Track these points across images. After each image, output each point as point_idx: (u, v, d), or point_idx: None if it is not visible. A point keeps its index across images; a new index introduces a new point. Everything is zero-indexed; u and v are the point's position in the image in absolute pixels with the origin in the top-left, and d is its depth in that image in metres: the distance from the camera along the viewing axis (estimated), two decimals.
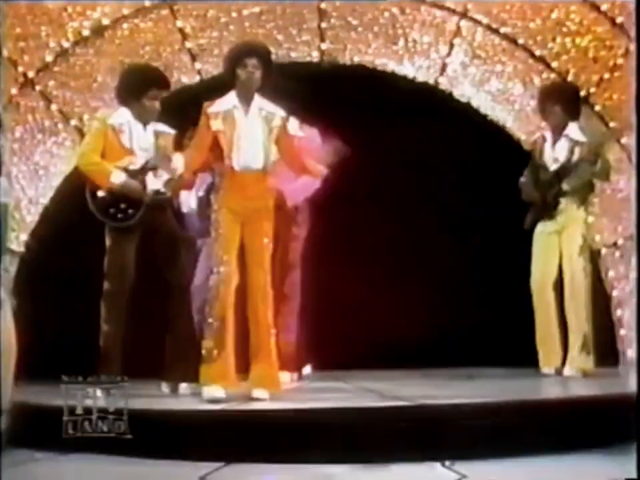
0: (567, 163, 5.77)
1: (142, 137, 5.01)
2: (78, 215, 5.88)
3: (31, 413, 4.09)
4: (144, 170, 4.96)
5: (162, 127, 5.12)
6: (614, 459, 3.73)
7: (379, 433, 3.78)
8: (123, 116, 5.02)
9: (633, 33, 4.97)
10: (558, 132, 5.87)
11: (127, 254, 4.93)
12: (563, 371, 5.67)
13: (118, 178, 4.89)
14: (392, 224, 7.02)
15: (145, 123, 5.02)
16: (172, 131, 5.17)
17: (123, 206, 4.90)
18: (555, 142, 5.87)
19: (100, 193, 4.91)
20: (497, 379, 5.62)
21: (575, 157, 5.76)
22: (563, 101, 5.87)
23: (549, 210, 5.81)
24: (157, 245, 5.00)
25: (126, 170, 4.93)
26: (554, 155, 5.85)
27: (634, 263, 5.88)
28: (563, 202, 5.78)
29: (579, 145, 5.77)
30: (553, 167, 5.84)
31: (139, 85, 5.00)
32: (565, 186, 5.75)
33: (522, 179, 5.98)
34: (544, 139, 5.95)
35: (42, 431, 3.99)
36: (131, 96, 5.01)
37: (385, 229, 7.06)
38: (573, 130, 5.83)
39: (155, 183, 4.97)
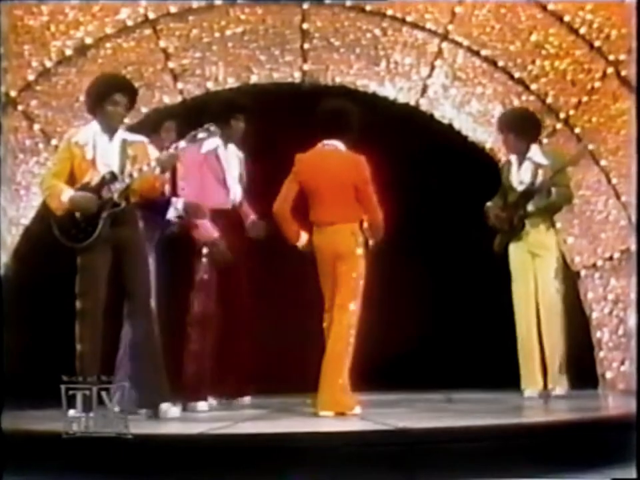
0: (531, 186, 5.88)
1: (107, 149, 4.84)
2: None
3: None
4: (102, 184, 4.76)
5: (132, 136, 4.97)
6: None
7: (359, 458, 3.76)
8: (89, 130, 4.89)
9: (633, 33, 5.02)
10: (521, 155, 5.96)
11: (97, 272, 4.77)
12: (552, 392, 5.72)
13: (66, 196, 4.73)
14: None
15: (111, 133, 4.87)
16: (143, 139, 5.02)
17: (82, 225, 4.73)
18: (520, 164, 5.97)
19: (59, 216, 4.76)
20: (477, 402, 5.63)
21: (539, 179, 5.86)
22: (514, 128, 5.97)
23: (516, 231, 5.88)
24: (123, 262, 4.84)
25: (85, 186, 4.76)
26: (519, 177, 5.96)
27: (634, 278, 5.89)
28: (528, 223, 5.86)
29: (541, 168, 5.89)
30: (519, 188, 5.93)
31: (102, 91, 4.86)
32: (530, 207, 5.83)
33: (488, 204, 6.05)
34: (510, 162, 6.04)
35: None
36: (95, 103, 4.87)
37: None
38: (536, 153, 5.96)
39: (108, 194, 4.74)
